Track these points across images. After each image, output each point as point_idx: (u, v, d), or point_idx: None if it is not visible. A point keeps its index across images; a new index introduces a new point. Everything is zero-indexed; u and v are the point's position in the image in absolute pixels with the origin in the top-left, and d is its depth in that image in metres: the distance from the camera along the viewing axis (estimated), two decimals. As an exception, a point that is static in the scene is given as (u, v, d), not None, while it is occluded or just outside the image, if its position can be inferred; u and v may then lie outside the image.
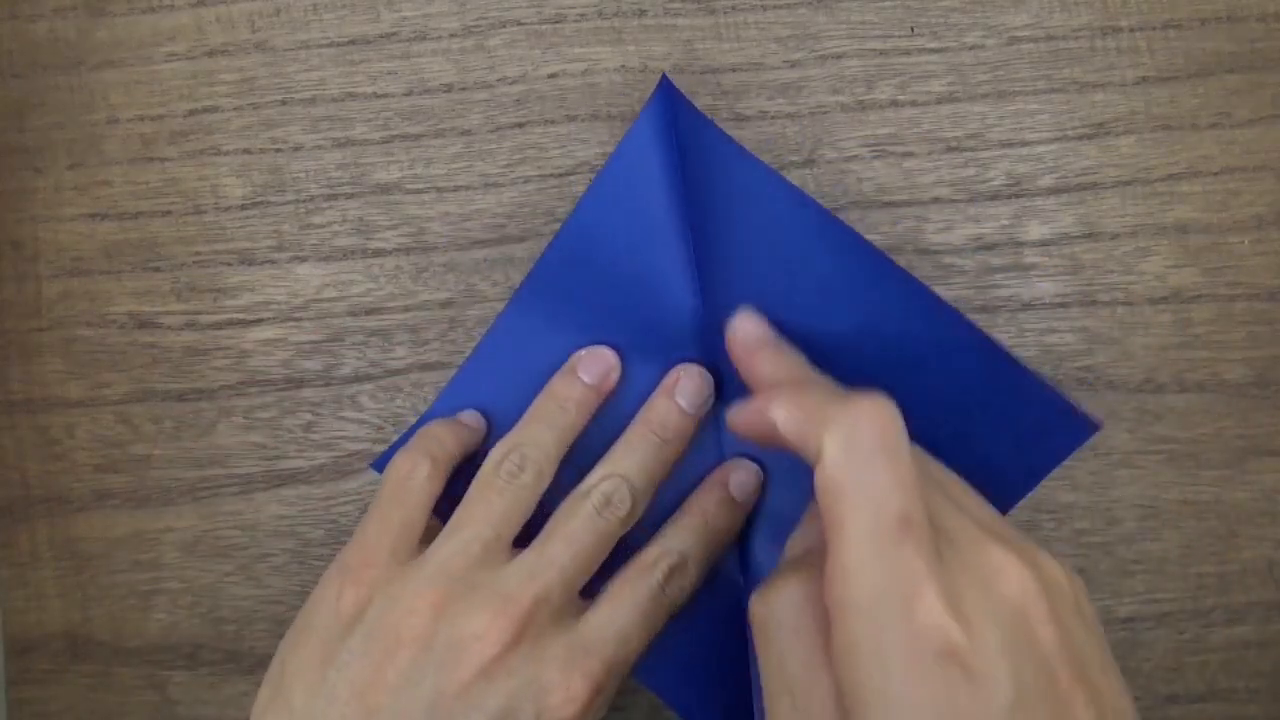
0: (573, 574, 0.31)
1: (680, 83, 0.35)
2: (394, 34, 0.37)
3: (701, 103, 0.36)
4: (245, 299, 0.37)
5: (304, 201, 0.37)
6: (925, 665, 0.22)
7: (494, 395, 0.35)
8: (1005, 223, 0.36)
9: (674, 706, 0.35)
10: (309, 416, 0.37)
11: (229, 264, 0.37)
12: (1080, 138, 0.36)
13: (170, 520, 0.37)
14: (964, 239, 0.36)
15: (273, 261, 0.37)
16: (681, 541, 0.33)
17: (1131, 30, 0.36)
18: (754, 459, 0.35)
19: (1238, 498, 0.36)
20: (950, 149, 0.36)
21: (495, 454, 0.32)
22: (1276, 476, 0.36)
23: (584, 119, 0.36)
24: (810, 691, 0.24)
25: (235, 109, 0.37)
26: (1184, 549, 0.36)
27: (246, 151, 0.37)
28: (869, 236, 0.35)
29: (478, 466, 0.33)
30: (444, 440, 0.33)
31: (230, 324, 0.37)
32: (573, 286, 0.35)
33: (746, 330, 0.32)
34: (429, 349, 0.36)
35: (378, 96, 0.37)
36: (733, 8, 0.36)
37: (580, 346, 0.34)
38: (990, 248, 0.36)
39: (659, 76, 0.34)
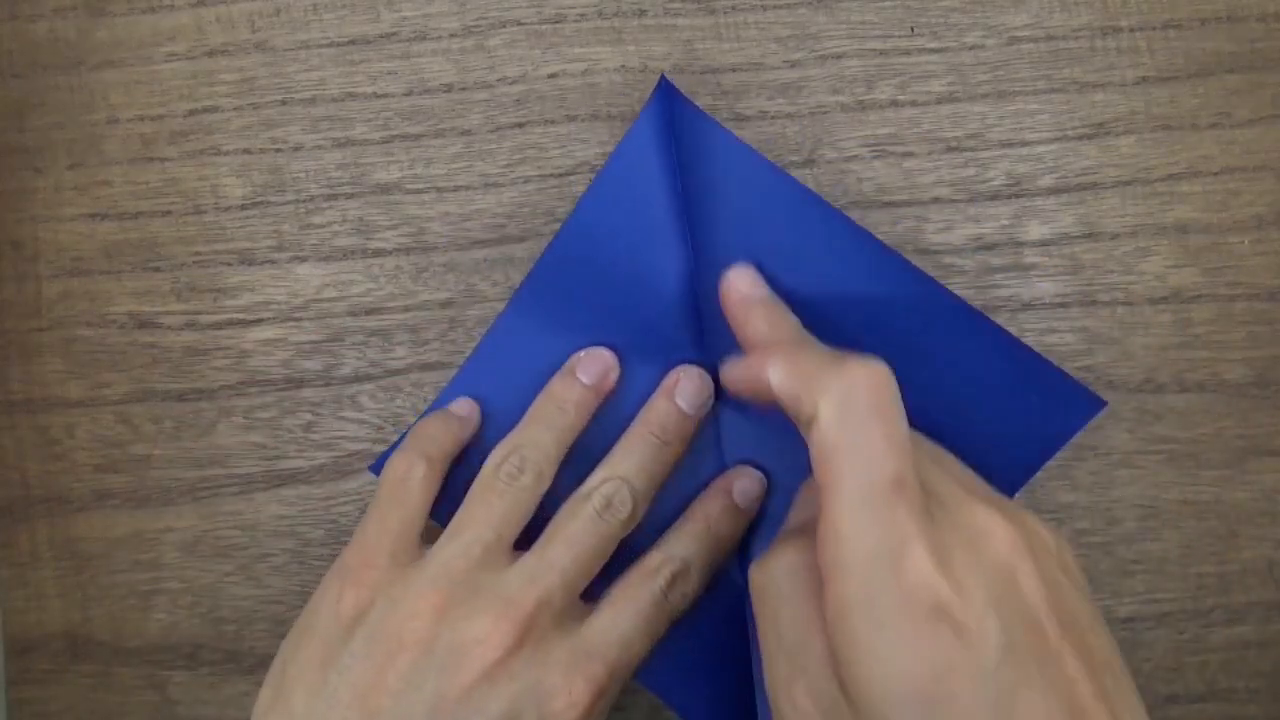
0: (574, 577, 0.31)
1: (680, 83, 0.35)
2: (394, 34, 0.37)
3: (701, 103, 0.36)
4: (245, 299, 0.37)
5: (304, 201, 0.37)
6: (916, 623, 0.22)
7: (494, 395, 0.35)
8: (1005, 223, 0.36)
9: (675, 708, 0.35)
10: (309, 416, 0.37)
11: (229, 264, 0.37)
12: (1080, 138, 0.36)
13: (170, 520, 0.37)
14: (964, 239, 0.36)
15: (273, 261, 0.37)
16: (685, 548, 0.33)
17: (1131, 30, 0.36)
18: (757, 465, 0.35)
19: (1238, 498, 0.36)
20: (950, 149, 0.36)
21: (495, 456, 0.32)
22: (1276, 476, 0.36)
23: (584, 119, 0.36)
24: (805, 651, 0.25)
25: (235, 109, 0.37)
26: (1184, 549, 0.36)
27: (246, 151, 0.37)
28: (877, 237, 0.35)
29: (473, 464, 0.33)
30: (438, 439, 0.33)
31: (230, 324, 0.37)
32: (572, 287, 0.35)
33: (741, 286, 0.32)
34: (429, 349, 0.36)
35: (378, 96, 0.37)
36: (733, 8, 0.36)
37: (580, 347, 0.34)
38: (990, 248, 0.36)
39: (659, 76, 0.34)
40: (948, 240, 0.36)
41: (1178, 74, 0.36)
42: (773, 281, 0.33)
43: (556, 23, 0.36)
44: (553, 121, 0.36)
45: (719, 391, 0.34)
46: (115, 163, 0.37)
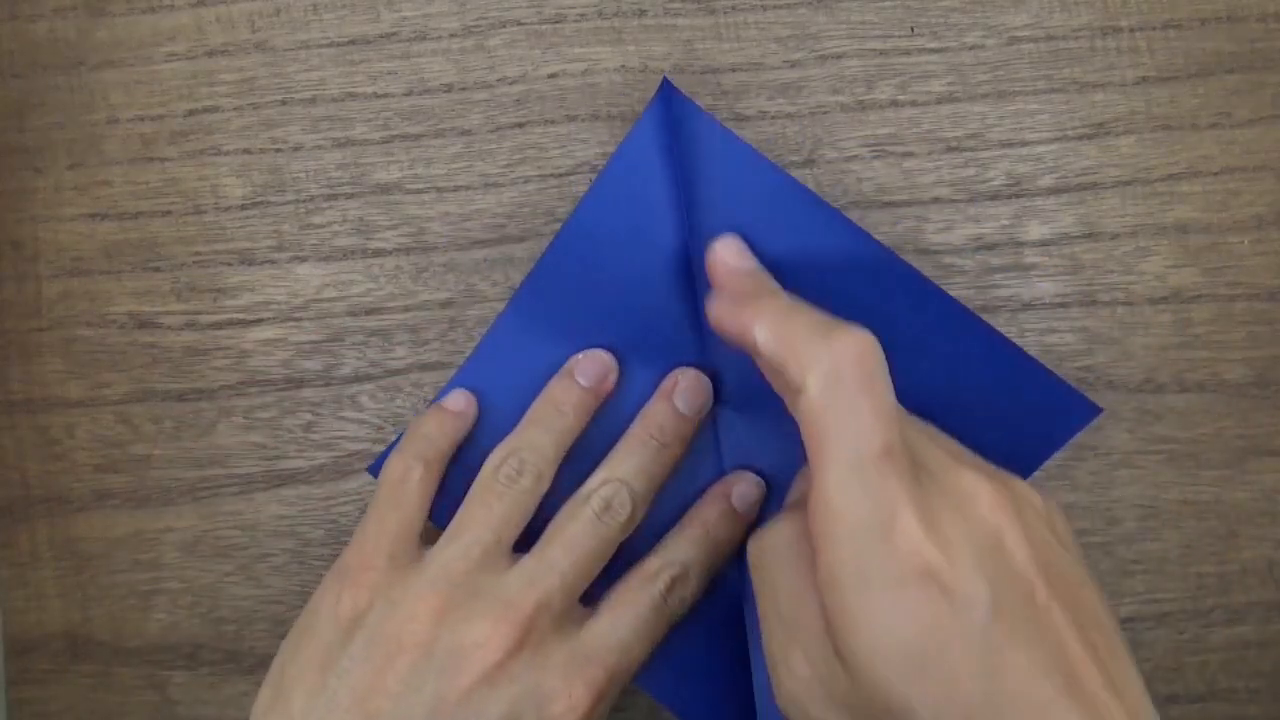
0: (573, 580, 0.31)
1: (680, 83, 0.35)
2: (394, 34, 0.37)
3: (701, 103, 0.36)
4: (245, 299, 0.37)
5: (304, 201, 0.37)
6: (906, 587, 0.23)
7: (493, 396, 0.35)
8: (1005, 223, 0.36)
9: (675, 712, 0.34)
10: (309, 416, 0.37)
11: (229, 264, 0.37)
12: (1080, 138, 0.36)
13: (170, 520, 0.37)
14: (964, 239, 0.36)
15: (273, 261, 0.37)
16: (683, 552, 0.33)
17: (1131, 30, 0.36)
18: (755, 469, 0.35)
19: (1238, 498, 0.36)
20: (950, 149, 0.36)
21: (493, 458, 0.33)
22: (1276, 476, 0.36)
23: (584, 119, 0.36)
24: (801, 619, 0.25)
25: (235, 109, 0.37)
26: (1184, 549, 0.36)
27: (246, 151, 0.37)
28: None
29: (472, 466, 0.33)
30: (435, 439, 0.33)
31: (230, 324, 0.37)
32: (572, 288, 0.35)
33: (728, 258, 0.31)
34: (429, 349, 0.36)
35: (378, 96, 0.37)
36: (733, 8, 0.36)
37: (579, 348, 0.34)
38: (990, 248, 0.36)
39: (659, 76, 0.34)
40: (948, 240, 0.36)
41: (1178, 74, 0.36)
42: None
43: (556, 23, 0.36)
44: (553, 121, 0.36)
45: (718, 394, 0.34)
46: (115, 163, 0.37)
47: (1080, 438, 0.35)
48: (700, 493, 0.34)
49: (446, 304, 0.36)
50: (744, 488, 0.34)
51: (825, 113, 0.36)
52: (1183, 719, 0.36)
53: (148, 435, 0.37)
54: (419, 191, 0.37)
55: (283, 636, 0.32)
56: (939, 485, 0.25)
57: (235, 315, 0.37)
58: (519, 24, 0.37)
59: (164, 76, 0.37)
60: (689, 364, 0.34)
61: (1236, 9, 0.36)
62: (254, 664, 0.37)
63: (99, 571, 0.37)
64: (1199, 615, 0.36)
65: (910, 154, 0.36)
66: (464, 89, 0.37)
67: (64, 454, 0.37)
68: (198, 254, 0.37)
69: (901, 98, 0.36)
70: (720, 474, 0.35)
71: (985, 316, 0.36)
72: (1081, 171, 0.36)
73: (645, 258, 0.34)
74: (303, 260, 0.37)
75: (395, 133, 0.37)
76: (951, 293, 0.35)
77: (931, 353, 0.33)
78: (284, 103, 0.37)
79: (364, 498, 0.37)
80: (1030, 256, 0.36)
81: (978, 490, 0.25)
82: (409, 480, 0.32)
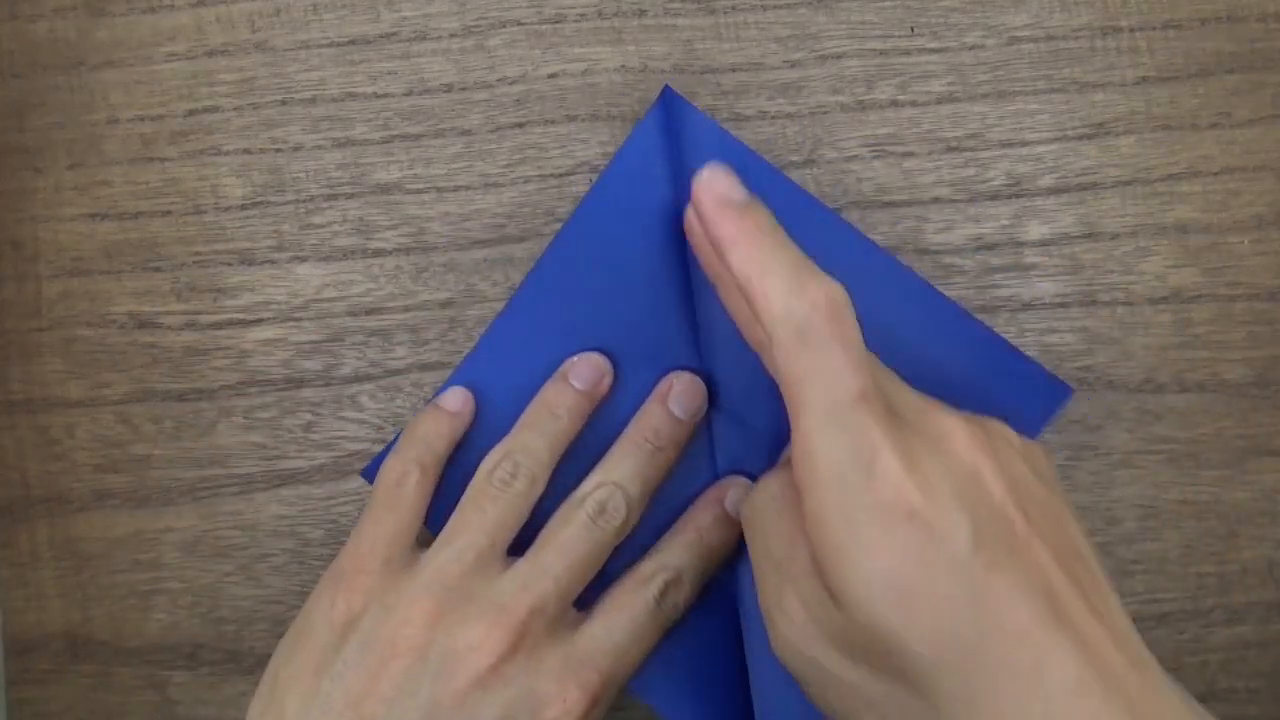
0: (567, 584, 0.31)
1: (680, 83, 0.35)
2: (394, 34, 0.37)
3: (701, 103, 0.36)
4: (245, 299, 0.37)
5: (304, 201, 0.37)
6: (888, 523, 0.23)
7: (490, 396, 0.35)
8: (1005, 223, 0.36)
9: (670, 718, 0.34)
10: (309, 416, 0.37)
11: (229, 264, 0.37)
12: (1080, 138, 0.36)
13: (170, 520, 0.37)
14: (964, 239, 0.36)
15: (273, 261, 0.37)
16: (677, 557, 0.33)
17: (1131, 30, 0.36)
18: (749, 474, 0.34)
19: (1238, 498, 0.36)
20: (950, 149, 0.36)
21: (488, 462, 0.33)
22: (1276, 476, 0.36)
23: (584, 119, 0.36)
24: (792, 563, 0.26)
25: (235, 109, 0.37)
26: (1184, 549, 0.36)
27: (246, 151, 0.37)
28: (869, 237, 0.35)
29: (467, 470, 0.33)
30: (432, 443, 0.33)
31: (230, 324, 0.37)
32: (570, 290, 0.35)
33: (718, 185, 0.27)
34: (429, 349, 0.36)
35: (378, 96, 0.37)
36: (733, 8, 0.36)
37: (576, 350, 0.34)
38: (990, 248, 0.36)
39: (659, 76, 0.34)
40: (948, 240, 0.36)
41: (1178, 74, 0.36)
42: None
43: (556, 23, 0.36)
44: (553, 121, 0.36)
45: (713, 399, 0.34)
46: (115, 163, 0.37)
47: (1080, 438, 0.35)
48: (694, 497, 0.34)
49: (446, 304, 0.36)
50: (738, 493, 0.34)
51: (825, 113, 0.36)
52: (1183, 719, 0.36)
53: (148, 435, 0.37)
54: (419, 191, 0.37)
55: (282, 637, 0.32)
56: (914, 427, 0.25)
57: (235, 315, 0.37)
58: (519, 24, 0.36)
59: (164, 76, 0.37)
60: (685, 368, 0.34)
61: (1236, 9, 0.36)
62: (254, 664, 0.37)
63: (99, 571, 0.37)
64: (1199, 615, 0.36)
65: (910, 154, 0.36)
66: (464, 89, 0.37)
67: (64, 454, 0.37)
68: (198, 254, 0.37)
69: (901, 98, 0.36)
70: (714, 478, 0.34)
71: (985, 317, 0.36)
72: (1081, 171, 0.36)
73: (644, 260, 0.34)
74: (303, 260, 0.37)
75: (395, 133, 0.37)
76: (951, 293, 0.35)
77: (905, 338, 0.33)
78: (284, 103, 0.37)
79: (364, 498, 0.37)
80: (1030, 256, 0.36)
81: (954, 430, 0.25)
82: (405, 484, 0.32)
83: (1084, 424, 0.36)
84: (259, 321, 0.37)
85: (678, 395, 0.34)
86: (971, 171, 0.36)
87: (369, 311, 0.37)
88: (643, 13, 0.36)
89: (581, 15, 0.36)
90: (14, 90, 0.37)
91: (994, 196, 0.36)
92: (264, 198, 0.37)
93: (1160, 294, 0.36)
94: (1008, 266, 0.36)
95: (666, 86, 0.33)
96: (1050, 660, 0.23)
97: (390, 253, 0.37)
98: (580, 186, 0.36)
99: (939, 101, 0.36)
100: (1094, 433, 0.36)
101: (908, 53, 0.36)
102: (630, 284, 0.34)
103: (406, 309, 0.36)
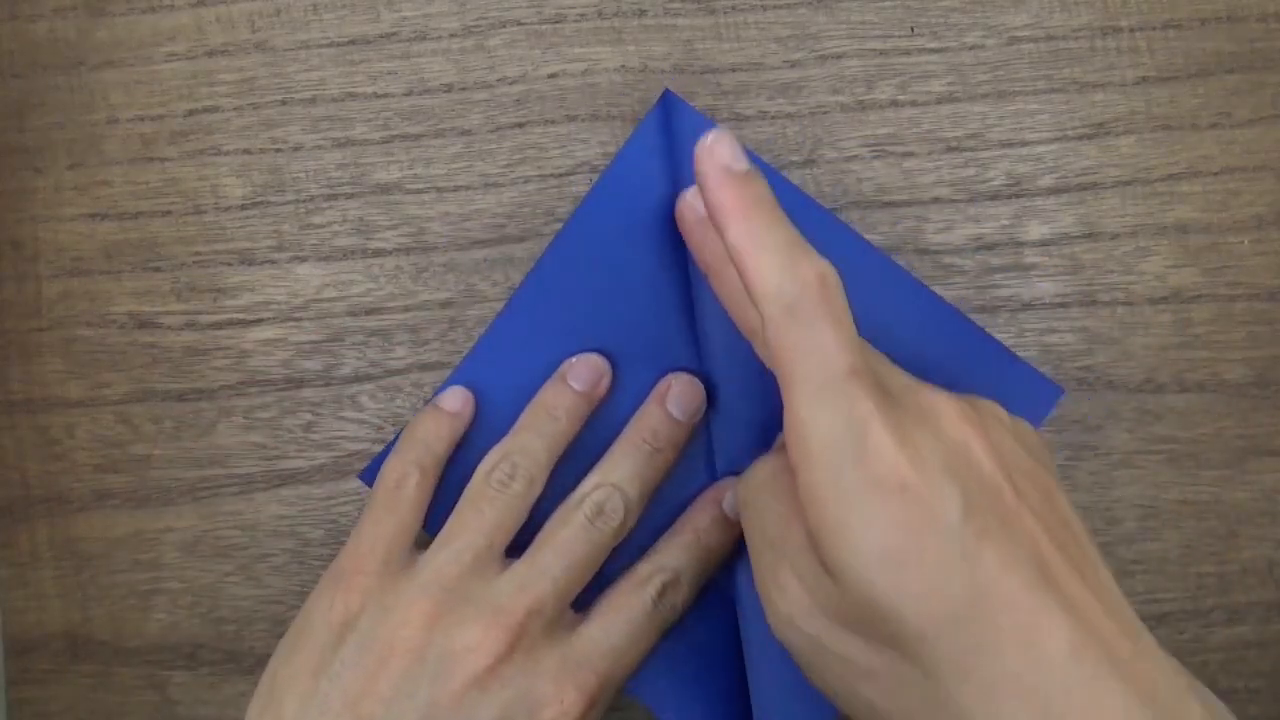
0: (565, 585, 0.31)
1: (680, 83, 0.35)
2: (394, 34, 0.37)
3: (701, 103, 0.36)
4: (245, 299, 0.37)
5: (304, 201, 0.37)
6: (881, 496, 0.24)
7: (489, 396, 0.35)
8: (1005, 223, 0.36)
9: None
10: (309, 416, 0.37)
11: (229, 264, 0.37)
12: (1080, 138, 0.36)
13: (170, 520, 0.37)
14: (964, 239, 0.36)
15: (273, 261, 0.37)
16: (675, 559, 0.33)
17: (1131, 30, 0.36)
18: None
19: (1238, 498, 0.36)
20: (950, 149, 0.36)
21: (486, 463, 0.33)
22: (1276, 476, 0.36)
23: (584, 119, 0.36)
24: (787, 539, 0.26)
25: (235, 109, 0.37)
26: (1184, 549, 0.36)
27: (246, 151, 0.37)
28: (869, 237, 0.35)
29: (465, 471, 0.33)
30: (431, 444, 0.33)
31: (230, 324, 0.37)
32: (569, 290, 0.35)
33: (721, 152, 0.27)
34: (429, 349, 0.36)
35: (378, 96, 0.37)
36: (733, 8, 0.36)
37: (575, 350, 0.34)
38: (990, 248, 0.36)
39: (659, 76, 0.34)
40: (948, 240, 0.36)
41: (1178, 74, 0.36)
42: None
43: (556, 23, 0.36)
44: (553, 121, 0.36)
45: (712, 400, 0.34)
46: (115, 163, 0.37)
47: (1080, 438, 0.35)
48: (693, 498, 0.34)
49: (446, 304, 0.36)
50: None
51: (825, 113, 0.36)
52: (1183, 719, 0.36)
53: (148, 435, 0.37)
54: (419, 191, 0.37)
55: (282, 637, 0.32)
56: (904, 404, 0.25)
57: (235, 315, 0.37)
58: (519, 24, 0.37)
59: (164, 76, 0.37)
60: (684, 369, 0.34)
61: (1236, 9, 0.36)
62: (254, 664, 0.37)
63: (99, 571, 0.37)
64: (1199, 615, 0.36)
65: (910, 154, 0.36)
66: (464, 89, 0.37)
67: (64, 454, 0.37)
68: (198, 254, 0.37)
69: (901, 98, 0.36)
70: (713, 479, 0.34)
71: (985, 317, 0.36)
72: (1081, 171, 0.36)
73: (643, 261, 0.34)
74: (303, 260, 0.37)
75: (395, 133, 0.37)
76: (951, 293, 0.35)
77: (900, 338, 0.33)
78: (284, 103, 0.37)
79: (363, 498, 0.37)
80: (1030, 256, 0.36)
81: (943, 406, 0.26)
82: (405, 486, 0.32)
83: (1084, 424, 0.36)
84: (259, 321, 0.37)
85: (676, 396, 0.34)
86: (971, 171, 0.36)
87: (369, 311, 0.37)
88: (643, 13, 0.36)
89: (581, 15, 0.36)
90: (14, 90, 0.37)
91: (994, 196, 0.36)
92: (264, 198, 0.37)
93: (1160, 294, 0.36)
94: (1008, 266, 0.36)
95: (666, 90, 0.33)
96: (1042, 626, 0.23)
97: (390, 253, 0.37)
98: (580, 186, 0.36)
99: (939, 101, 0.36)
100: (1094, 433, 0.36)
101: (908, 53, 0.36)
102: (629, 285, 0.34)
103: (406, 309, 0.36)
